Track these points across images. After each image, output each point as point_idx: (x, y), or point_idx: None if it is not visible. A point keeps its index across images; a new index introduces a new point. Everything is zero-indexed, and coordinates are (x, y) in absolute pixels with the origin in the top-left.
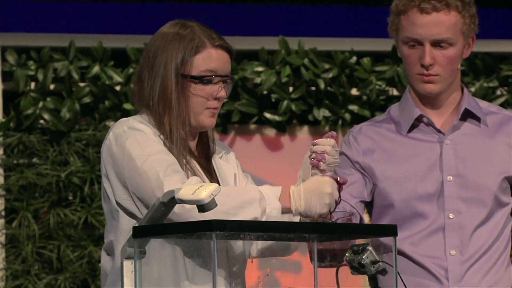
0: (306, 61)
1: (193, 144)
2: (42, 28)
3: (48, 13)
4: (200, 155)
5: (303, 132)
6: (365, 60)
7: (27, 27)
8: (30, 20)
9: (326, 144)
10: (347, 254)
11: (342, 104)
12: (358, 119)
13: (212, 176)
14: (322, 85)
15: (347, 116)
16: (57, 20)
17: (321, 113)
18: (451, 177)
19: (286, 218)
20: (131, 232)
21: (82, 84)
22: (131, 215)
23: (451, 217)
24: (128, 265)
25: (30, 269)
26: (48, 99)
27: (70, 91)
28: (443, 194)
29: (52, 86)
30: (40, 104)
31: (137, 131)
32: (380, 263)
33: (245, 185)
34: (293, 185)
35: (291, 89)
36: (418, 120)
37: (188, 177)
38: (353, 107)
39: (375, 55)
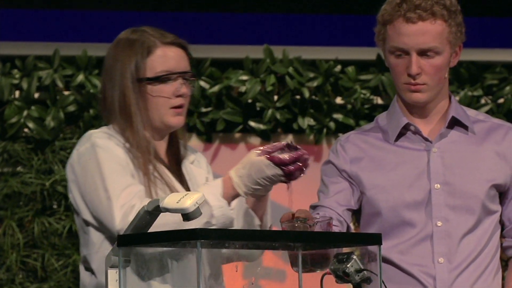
0: (290, 69)
1: (162, 148)
2: (26, 36)
3: (33, 22)
4: (170, 159)
5: (288, 141)
6: (350, 69)
7: (12, 36)
8: (14, 29)
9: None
10: (331, 263)
11: (326, 113)
12: (342, 127)
13: (182, 181)
14: (306, 94)
15: (332, 124)
16: (41, 29)
17: (306, 121)
18: (438, 185)
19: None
20: (102, 245)
21: (66, 93)
22: (99, 229)
23: (439, 224)
24: (112, 274)
25: (14, 277)
26: (33, 107)
27: (55, 100)
28: (431, 202)
29: (36, 95)
30: (25, 112)
31: (99, 148)
32: (365, 271)
33: None
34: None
35: (275, 97)
36: (406, 128)
37: (153, 185)
38: (338, 116)
39: (359, 64)
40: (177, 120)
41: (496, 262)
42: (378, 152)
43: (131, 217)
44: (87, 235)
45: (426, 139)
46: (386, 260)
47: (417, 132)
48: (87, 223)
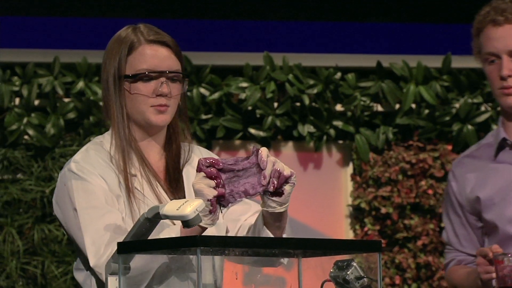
0: (290, 77)
1: (153, 149)
2: (26, 43)
3: (33, 29)
4: (167, 164)
5: (288, 148)
6: (350, 76)
7: (12, 43)
8: (14, 36)
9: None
10: (331, 270)
11: (326, 120)
12: (342, 134)
13: (177, 187)
14: (306, 101)
15: (332, 131)
16: (41, 36)
17: (306, 129)
18: None
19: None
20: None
21: (66, 100)
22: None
23: None
24: (112, 281)
25: (14, 285)
26: (33, 114)
27: (55, 107)
28: None
29: (36, 102)
30: (25, 120)
31: (74, 175)
32: (365, 278)
33: None
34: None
35: (275, 105)
36: (504, 143)
37: (137, 199)
38: (338, 123)
39: (359, 71)
40: (158, 118)
41: None
42: (486, 169)
43: (104, 255)
44: (75, 251)
45: None
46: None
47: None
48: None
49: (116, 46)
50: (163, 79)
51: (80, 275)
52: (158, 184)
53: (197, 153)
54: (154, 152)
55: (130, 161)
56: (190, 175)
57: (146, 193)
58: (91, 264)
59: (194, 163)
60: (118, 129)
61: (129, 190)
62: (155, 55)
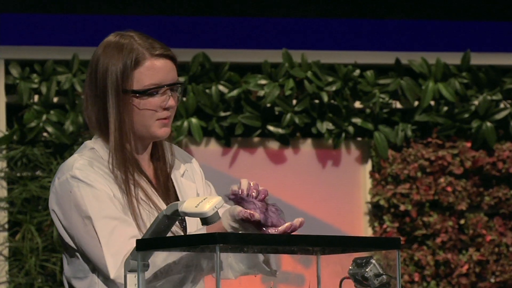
0: (309, 74)
1: (145, 160)
2: (45, 41)
3: (52, 26)
4: (155, 172)
5: (307, 145)
6: (369, 73)
7: (31, 41)
8: (33, 34)
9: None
10: (350, 267)
11: (345, 117)
12: (361, 132)
13: (168, 193)
14: (325, 98)
15: (351, 129)
16: (60, 33)
17: (325, 126)
18: None
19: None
20: (90, 273)
21: None
22: (88, 259)
23: None
24: (131, 278)
25: (33, 282)
26: (52, 112)
27: (74, 104)
28: None
29: (55, 99)
30: (44, 117)
31: (80, 183)
32: (384, 276)
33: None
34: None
35: (294, 102)
36: None
37: (141, 206)
38: (357, 120)
39: (378, 68)
40: (163, 131)
41: None
42: None
43: (124, 267)
44: (73, 257)
45: None
46: None
47: None
48: (73, 248)
49: (116, 56)
50: (169, 92)
51: (81, 284)
52: (153, 193)
53: (179, 157)
54: (144, 161)
55: (129, 172)
56: (178, 180)
57: (144, 202)
58: (112, 276)
59: (181, 168)
60: (119, 142)
61: (131, 198)
62: (163, 69)
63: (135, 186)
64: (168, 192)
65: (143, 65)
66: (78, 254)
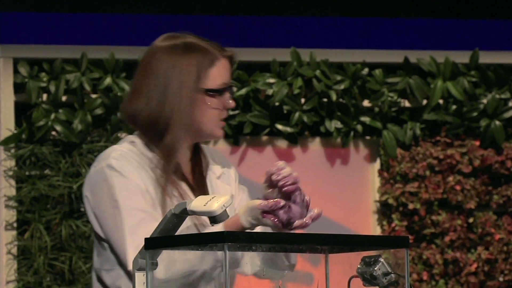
0: (318, 72)
1: (185, 158)
2: (54, 40)
3: (60, 25)
4: (193, 170)
5: (315, 144)
6: (377, 72)
7: (39, 39)
8: (42, 32)
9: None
10: (359, 266)
11: (354, 116)
12: (370, 130)
13: (204, 194)
14: (334, 97)
15: (359, 127)
16: (69, 32)
17: (333, 124)
18: None
19: None
20: (116, 265)
21: (94, 96)
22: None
23: None
24: (140, 277)
25: (42, 280)
26: (60, 110)
27: (82, 103)
28: None
29: (64, 98)
30: (52, 115)
31: (114, 172)
32: (392, 274)
33: (239, 201)
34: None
35: (303, 100)
36: None
37: (172, 204)
38: (365, 119)
39: (387, 67)
40: (221, 132)
41: None
42: None
43: (132, 266)
44: (102, 249)
45: None
46: None
47: None
48: (101, 238)
49: (188, 56)
50: (230, 92)
51: (109, 276)
52: (189, 192)
53: (218, 160)
54: (186, 157)
55: (170, 170)
56: (212, 181)
57: (177, 200)
58: (130, 267)
59: (214, 168)
60: (176, 139)
61: (164, 195)
62: (228, 70)
63: (172, 184)
64: (204, 193)
65: (216, 64)
66: (106, 245)
